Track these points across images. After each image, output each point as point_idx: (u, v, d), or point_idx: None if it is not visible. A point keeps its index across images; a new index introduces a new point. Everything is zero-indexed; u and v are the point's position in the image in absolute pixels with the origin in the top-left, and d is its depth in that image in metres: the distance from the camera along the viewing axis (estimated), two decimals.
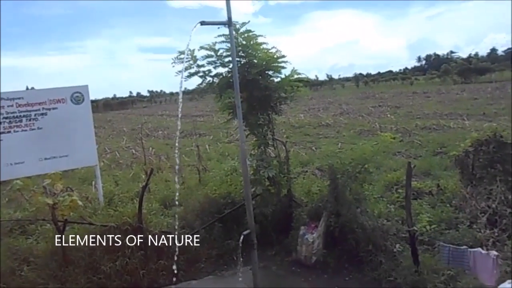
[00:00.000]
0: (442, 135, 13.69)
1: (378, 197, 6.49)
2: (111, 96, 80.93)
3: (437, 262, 4.54)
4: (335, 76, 79.20)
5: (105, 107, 61.67)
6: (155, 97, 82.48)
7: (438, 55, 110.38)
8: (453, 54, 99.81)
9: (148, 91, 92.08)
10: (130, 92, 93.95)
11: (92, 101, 7.01)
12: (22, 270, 4.80)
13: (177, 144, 3.50)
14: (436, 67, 73.34)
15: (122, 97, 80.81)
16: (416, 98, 32.47)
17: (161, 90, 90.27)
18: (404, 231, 5.07)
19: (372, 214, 5.28)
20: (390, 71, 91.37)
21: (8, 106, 6.03)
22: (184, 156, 12.32)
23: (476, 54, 75.52)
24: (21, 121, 6.10)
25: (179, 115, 3.78)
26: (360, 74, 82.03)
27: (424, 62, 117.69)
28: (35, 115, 6.19)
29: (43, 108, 6.25)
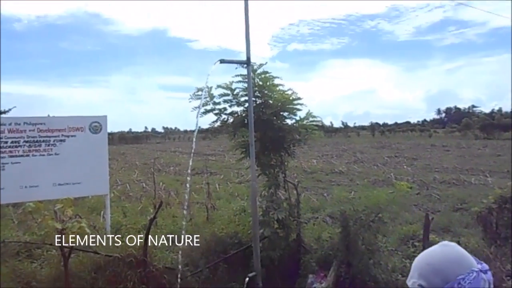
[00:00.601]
0: (463, 190, 13.32)
1: (392, 250, 6.32)
2: (127, 130, 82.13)
3: None
4: (350, 124, 79.26)
5: (120, 140, 62.48)
6: (169, 133, 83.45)
7: (458, 109, 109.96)
8: (474, 108, 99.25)
9: (163, 127, 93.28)
10: (146, 127, 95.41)
11: (108, 134, 7.12)
12: None
13: (188, 178, 3.52)
14: (457, 120, 72.79)
15: (137, 132, 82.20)
16: (434, 151, 32.05)
17: (175, 127, 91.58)
18: None
19: (386, 267, 5.12)
20: (408, 122, 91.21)
21: (30, 130, 6.18)
22: (193, 193, 12.29)
23: (500, 110, 74.36)
24: (40, 145, 6.21)
25: (193, 147, 3.81)
26: (376, 123, 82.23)
27: (443, 115, 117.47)
28: (54, 141, 6.31)
29: (62, 135, 6.37)
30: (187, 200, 5.35)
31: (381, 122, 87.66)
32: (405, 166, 21.09)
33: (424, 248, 4.38)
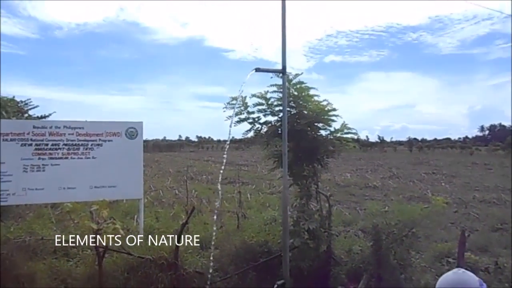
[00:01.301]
0: (504, 210, 12.74)
1: (426, 266, 6.15)
2: (161, 138, 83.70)
3: None
4: (387, 139, 77.54)
5: (154, 147, 63.68)
6: (203, 142, 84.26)
7: (504, 126, 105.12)
8: None
9: (197, 136, 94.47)
10: (180, 136, 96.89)
11: (143, 141, 7.32)
12: None
13: (220, 178, 3.58)
14: (501, 138, 69.69)
15: (171, 140, 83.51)
16: (475, 169, 30.90)
17: (209, 137, 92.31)
18: None
19: (417, 283, 5.00)
20: (448, 139, 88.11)
21: (69, 134, 6.42)
22: (225, 202, 12.38)
23: None
24: (78, 149, 6.45)
25: (225, 155, 3.86)
26: (415, 139, 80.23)
27: (487, 132, 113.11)
28: (91, 145, 6.53)
29: (99, 139, 6.59)
30: (220, 202, 5.40)
31: (419, 138, 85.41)
32: (443, 184, 20.47)
33: (458, 266, 4.26)
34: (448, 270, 6.03)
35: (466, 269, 2.46)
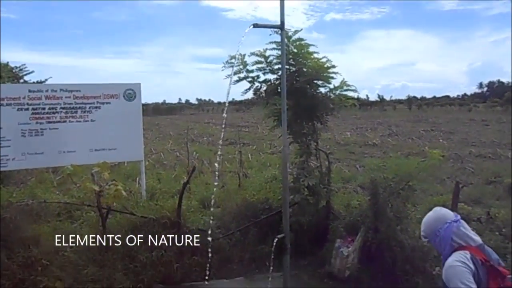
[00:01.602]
0: (498, 164, 13.01)
1: (421, 218, 6.26)
2: (161, 101, 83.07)
3: None
4: (387, 97, 76.85)
5: (154, 111, 63.30)
6: (203, 105, 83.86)
7: (502, 83, 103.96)
8: None
9: (197, 99, 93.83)
10: (180, 99, 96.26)
11: (142, 105, 7.26)
12: (65, 251, 5.01)
13: (222, 136, 3.61)
14: (499, 95, 69.16)
15: (171, 103, 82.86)
16: (473, 125, 30.97)
17: (209, 99, 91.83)
18: None
19: (413, 234, 5.11)
20: (447, 96, 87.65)
21: (66, 97, 6.37)
22: (226, 163, 12.49)
23: None
24: (76, 112, 6.42)
25: (225, 112, 3.86)
26: (414, 97, 79.52)
27: (486, 89, 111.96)
28: (89, 107, 6.50)
29: (97, 102, 6.55)
30: (219, 159, 5.44)
31: (419, 96, 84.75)
32: (441, 140, 20.58)
33: None
34: None
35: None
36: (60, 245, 5.14)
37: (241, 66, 6.23)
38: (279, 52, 5.70)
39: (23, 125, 6.09)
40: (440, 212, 2.81)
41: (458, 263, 2.44)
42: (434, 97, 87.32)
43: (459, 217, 2.74)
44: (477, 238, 2.67)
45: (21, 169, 7.16)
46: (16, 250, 4.59)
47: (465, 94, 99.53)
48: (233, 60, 6.04)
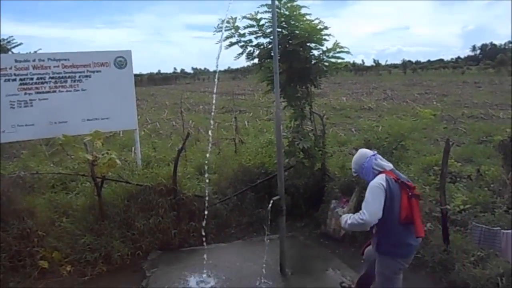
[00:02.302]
0: (490, 124, 13.11)
1: (414, 178, 6.29)
2: (155, 71, 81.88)
3: (467, 243, 4.43)
4: (382, 62, 76.16)
5: (149, 81, 62.50)
6: (199, 74, 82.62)
7: (494, 45, 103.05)
8: (511, 44, 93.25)
9: (192, 68, 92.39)
10: (175, 68, 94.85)
11: (137, 75, 7.13)
12: (62, 222, 5.02)
13: (214, 101, 3.56)
14: (492, 57, 68.71)
15: (166, 73, 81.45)
16: (466, 87, 30.95)
17: (205, 68, 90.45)
18: (436, 212, 4.92)
19: None
20: (441, 60, 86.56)
21: (54, 66, 6.22)
22: (222, 130, 12.44)
23: None
24: (66, 81, 6.26)
25: (217, 76, 3.79)
26: (409, 61, 78.87)
27: (479, 51, 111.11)
28: (79, 76, 6.34)
29: (87, 71, 6.39)
30: (214, 124, 5.41)
31: (414, 60, 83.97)
32: (434, 102, 20.60)
33: (442, 172, 4.36)
34: (435, 180, 6.21)
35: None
36: (56, 215, 5.16)
37: (232, 31, 6.10)
38: (271, 15, 5.58)
39: (11, 96, 5.94)
40: (362, 151, 3.59)
41: (376, 184, 3.23)
42: (429, 60, 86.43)
43: (375, 152, 3.55)
44: (390, 165, 3.46)
45: (12, 142, 7.06)
46: (11, 223, 4.58)
47: (458, 57, 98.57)
48: (224, 24, 5.90)
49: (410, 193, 3.24)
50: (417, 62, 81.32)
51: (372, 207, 3.15)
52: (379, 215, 3.14)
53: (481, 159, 8.13)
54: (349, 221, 3.26)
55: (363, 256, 3.84)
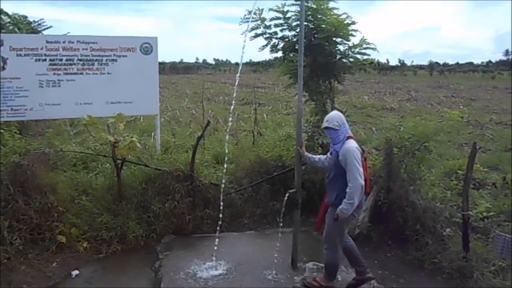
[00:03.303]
0: None
1: (436, 182, 6.21)
2: (178, 60, 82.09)
3: (488, 252, 4.36)
4: (408, 63, 74.69)
5: (171, 70, 62.89)
6: (220, 65, 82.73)
7: None
8: None
9: (214, 59, 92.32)
10: (197, 58, 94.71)
11: (160, 63, 7.18)
12: (81, 199, 5.16)
13: (236, 87, 3.59)
14: None
15: (188, 62, 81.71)
16: (495, 92, 30.05)
17: (226, 59, 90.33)
18: (457, 217, 4.86)
19: (425, 195, 5.09)
20: (471, 63, 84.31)
21: (83, 49, 6.34)
22: (241, 122, 12.48)
23: None
24: (93, 64, 6.39)
25: (240, 65, 3.81)
26: (436, 62, 77.20)
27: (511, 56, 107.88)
28: (106, 60, 6.45)
29: (114, 55, 6.49)
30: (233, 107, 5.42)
31: (441, 62, 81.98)
32: (461, 106, 20.13)
33: (466, 177, 4.31)
34: (457, 185, 6.12)
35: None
36: (76, 193, 5.30)
37: (258, 22, 6.11)
38: (298, 8, 5.56)
39: (41, 75, 6.10)
40: (338, 112, 3.96)
41: (354, 149, 3.63)
42: (457, 63, 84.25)
43: (346, 125, 3.85)
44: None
45: (39, 120, 7.24)
46: (33, 197, 4.71)
47: (489, 61, 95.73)
48: (250, 15, 5.91)
49: (364, 156, 3.77)
50: (445, 64, 79.36)
51: (361, 170, 3.58)
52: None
53: (507, 167, 7.93)
54: (348, 201, 3.55)
55: (320, 230, 4.14)
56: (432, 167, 6.19)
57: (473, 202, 5.37)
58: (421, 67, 76.42)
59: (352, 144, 3.68)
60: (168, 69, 60.94)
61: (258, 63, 62.03)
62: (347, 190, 3.57)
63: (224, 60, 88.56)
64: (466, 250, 4.29)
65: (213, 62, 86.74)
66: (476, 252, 4.32)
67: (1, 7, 9.45)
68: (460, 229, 4.53)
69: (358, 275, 4.04)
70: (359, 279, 4.03)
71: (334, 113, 3.91)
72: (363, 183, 3.56)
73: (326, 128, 3.79)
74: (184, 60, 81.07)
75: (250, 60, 62.81)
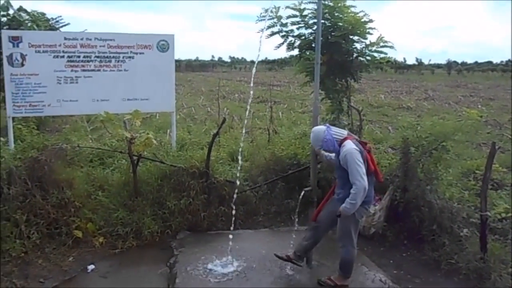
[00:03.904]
0: None
1: (453, 182, 6.12)
2: (193, 58, 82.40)
3: (507, 253, 4.28)
4: (425, 61, 73.65)
5: (187, 67, 63.20)
6: (236, 63, 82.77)
7: None
8: None
9: (230, 57, 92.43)
10: (212, 56, 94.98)
11: (175, 61, 7.21)
12: (97, 195, 5.21)
13: (251, 91, 3.59)
14: None
15: (204, 60, 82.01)
16: None
17: (242, 57, 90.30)
18: (475, 218, 4.78)
19: (442, 195, 5.02)
20: (490, 62, 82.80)
21: (100, 46, 6.40)
22: (256, 120, 12.48)
23: None
24: (110, 61, 6.45)
25: (256, 62, 3.81)
26: (454, 61, 75.95)
27: None
28: (123, 57, 6.51)
29: (131, 52, 6.54)
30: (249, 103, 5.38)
31: (459, 61, 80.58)
32: (479, 106, 19.78)
33: (485, 177, 4.23)
34: (475, 185, 6.01)
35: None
36: (92, 189, 5.35)
37: (275, 20, 6.09)
38: (315, 6, 5.54)
39: (59, 72, 6.18)
40: (315, 129, 3.97)
41: (353, 150, 3.65)
42: (476, 62, 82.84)
43: (327, 124, 4.08)
44: (345, 130, 4.00)
45: (56, 116, 7.33)
46: (51, 192, 4.77)
47: (509, 60, 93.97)
48: (267, 13, 5.90)
49: (367, 149, 3.83)
50: (463, 63, 77.98)
51: (362, 170, 3.60)
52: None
53: None
54: (351, 201, 3.62)
55: (314, 222, 4.12)
56: (449, 167, 6.08)
57: (491, 203, 5.26)
58: (438, 66, 75.30)
59: (349, 145, 3.72)
60: (184, 67, 61.21)
61: (273, 61, 61.82)
62: (351, 191, 3.64)
63: (240, 58, 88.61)
64: (483, 251, 4.22)
65: (229, 60, 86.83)
66: (494, 253, 4.25)
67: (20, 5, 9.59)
68: (477, 230, 4.46)
69: (293, 256, 4.15)
70: (292, 258, 4.15)
71: (311, 136, 4.02)
72: (365, 184, 3.59)
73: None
74: (200, 58, 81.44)
75: (266, 58, 62.67)
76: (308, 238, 4.16)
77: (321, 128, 3.94)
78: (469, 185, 6.20)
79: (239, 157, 5.15)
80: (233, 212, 4.69)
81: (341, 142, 3.79)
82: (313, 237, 4.13)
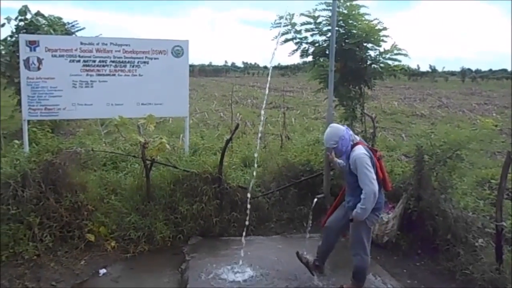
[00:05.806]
0: None
1: (468, 190, 6.04)
2: (207, 63, 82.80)
3: None
4: (439, 69, 72.99)
5: (200, 72, 63.55)
6: (249, 68, 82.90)
7: None
8: None
9: (243, 62, 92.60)
10: (225, 61, 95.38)
11: (189, 66, 7.26)
12: (110, 199, 5.24)
13: (267, 92, 3.60)
14: None
15: (217, 65, 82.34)
16: None
17: (255, 63, 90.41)
18: (490, 228, 4.70)
19: (457, 204, 4.95)
20: (505, 70, 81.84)
21: (115, 51, 6.47)
22: (269, 125, 12.47)
23: None
24: (125, 66, 6.50)
25: (270, 67, 3.81)
26: (468, 69, 75.14)
27: None
28: (138, 62, 6.56)
29: (146, 57, 6.59)
30: (264, 108, 5.43)
31: (473, 68, 79.68)
32: (494, 114, 19.52)
33: (500, 186, 4.16)
34: (490, 194, 5.93)
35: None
36: (105, 192, 5.39)
37: (289, 27, 6.13)
38: (329, 13, 5.55)
39: (74, 76, 6.25)
40: (335, 125, 3.99)
41: (363, 155, 3.66)
42: (490, 70, 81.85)
43: (349, 129, 3.98)
44: (357, 136, 4.01)
45: (71, 119, 7.41)
46: (64, 195, 4.80)
47: None
48: (281, 20, 5.93)
49: (377, 156, 3.83)
50: (477, 71, 77.13)
51: (371, 175, 3.61)
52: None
53: None
54: (361, 206, 3.62)
55: (324, 227, 4.15)
56: (464, 176, 6.01)
57: (507, 213, 5.16)
58: (452, 73, 74.55)
59: (359, 150, 3.73)
60: (197, 72, 61.50)
61: (286, 67, 61.88)
62: (361, 196, 3.65)
63: (253, 63, 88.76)
64: (499, 262, 4.15)
65: (242, 65, 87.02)
66: (509, 264, 4.17)
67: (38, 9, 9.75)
68: (493, 240, 4.39)
69: (312, 265, 4.23)
70: (310, 266, 4.23)
71: (328, 130, 3.96)
72: (375, 188, 3.60)
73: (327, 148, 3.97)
74: (213, 63, 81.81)
75: (279, 64, 62.73)
76: (322, 242, 4.18)
77: (338, 126, 3.98)
78: (484, 194, 6.11)
79: (254, 164, 5.15)
80: (247, 218, 4.67)
81: (353, 146, 3.82)
82: (326, 241, 4.14)
